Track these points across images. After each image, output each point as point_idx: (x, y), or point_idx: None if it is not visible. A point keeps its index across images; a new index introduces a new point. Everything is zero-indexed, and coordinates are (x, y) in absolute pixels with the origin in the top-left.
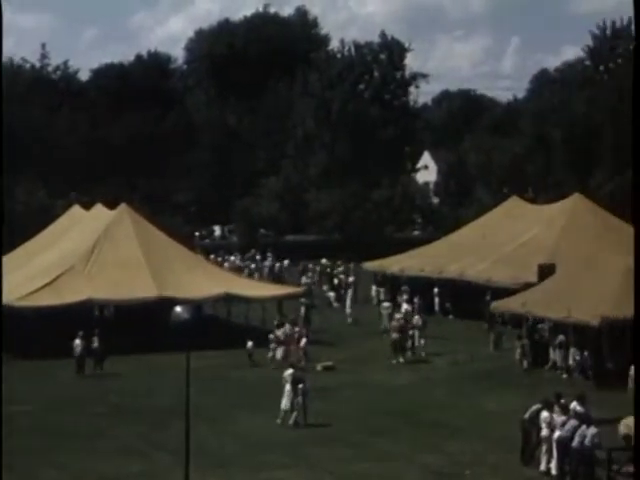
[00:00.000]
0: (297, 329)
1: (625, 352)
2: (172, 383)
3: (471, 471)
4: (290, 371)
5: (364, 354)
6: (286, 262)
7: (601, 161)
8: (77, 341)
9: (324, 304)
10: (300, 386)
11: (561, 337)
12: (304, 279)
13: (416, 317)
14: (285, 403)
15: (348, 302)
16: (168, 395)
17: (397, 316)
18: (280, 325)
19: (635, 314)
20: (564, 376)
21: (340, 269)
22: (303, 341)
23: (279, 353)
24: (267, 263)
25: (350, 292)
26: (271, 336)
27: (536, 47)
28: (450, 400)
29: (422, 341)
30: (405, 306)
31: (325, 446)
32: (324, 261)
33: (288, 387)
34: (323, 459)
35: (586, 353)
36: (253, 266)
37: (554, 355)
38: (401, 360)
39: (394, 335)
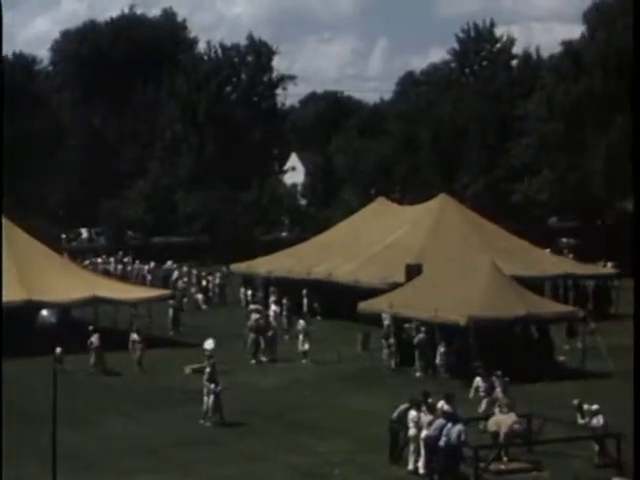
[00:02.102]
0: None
1: (491, 351)
2: (38, 387)
3: (340, 471)
4: (208, 369)
5: (232, 356)
6: (152, 264)
7: (467, 162)
8: None
9: (193, 307)
10: (212, 386)
11: (420, 336)
12: (180, 283)
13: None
14: (206, 402)
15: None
16: (35, 400)
17: (254, 316)
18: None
19: (635, 314)
20: (418, 375)
21: (208, 271)
22: (138, 348)
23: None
24: (136, 265)
25: (218, 294)
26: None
27: (402, 49)
28: (318, 400)
29: (308, 344)
30: (273, 307)
31: (194, 448)
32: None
33: (207, 386)
34: (191, 461)
35: (453, 352)
36: (120, 268)
37: (427, 355)
38: (263, 359)
39: (252, 335)
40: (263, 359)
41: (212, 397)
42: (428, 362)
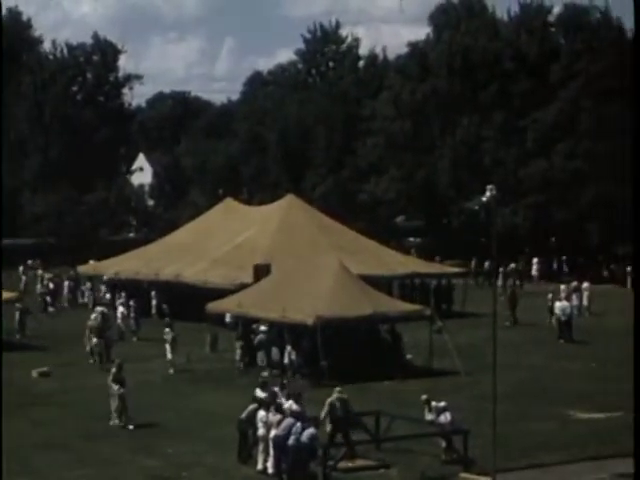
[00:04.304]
0: None
1: (339, 350)
2: None
3: (188, 473)
4: (113, 370)
5: (80, 358)
6: None
7: (314, 162)
8: None
9: (39, 309)
10: (116, 388)
11: (261, 336)
12: (39, 287)
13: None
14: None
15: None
16: None
17: (93, 316)
18: None
19: (635, 314)
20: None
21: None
22: None
23: None
24: None
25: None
26: None
27: (250, 49)
28: (168, 402)
29: (171, 354)
30: (121, 309)
31: (46, 452)
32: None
33: (114, 387)
34: (43, 466)
35: (301, 352)
36: None
37: (271, 355)
38: (91, 361)
39: (92, 336)
40: (90, 361)
41: (117, 399)
42: (270, 361)
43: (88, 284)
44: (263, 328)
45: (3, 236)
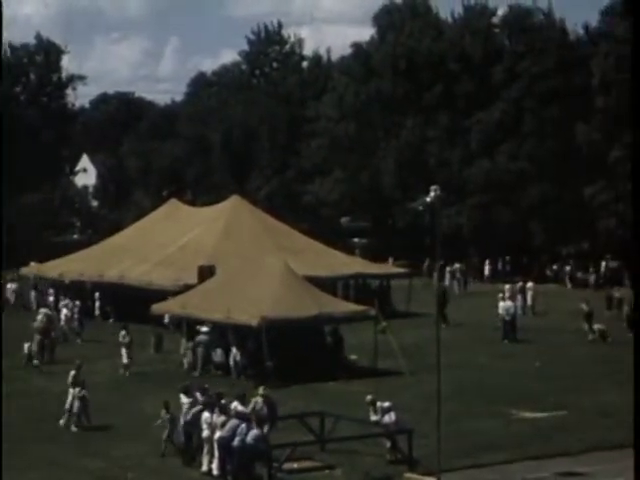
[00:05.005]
0: None
1: (284, 351)
2: None
3: (133, 475)
4: (72, 372)
5: (22, 360)
6: None
7: (258, 163)
8: None
9: None
10: (76, 390)
11: (201, 337)
12: None
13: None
14: (69, 402)
15: None
16: None
17: (39, 317)
18: None
19: (635, 313)
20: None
21: None
22: None
23: None
24: None
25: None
26: None
27: (194, 50)
28: (113, 403)
29: (127, 359)
30: (65, 311)
31: None
32: None
33: (71, 389)
34: None
35: (246, 353)
36: None
37: (215, 356)
38: (35, 362)
39: (37, 337)
40: (35, 362)
41: (77, 401)
42: (206, 362)
43: (33, 286)
44: (204, 329)
45: None
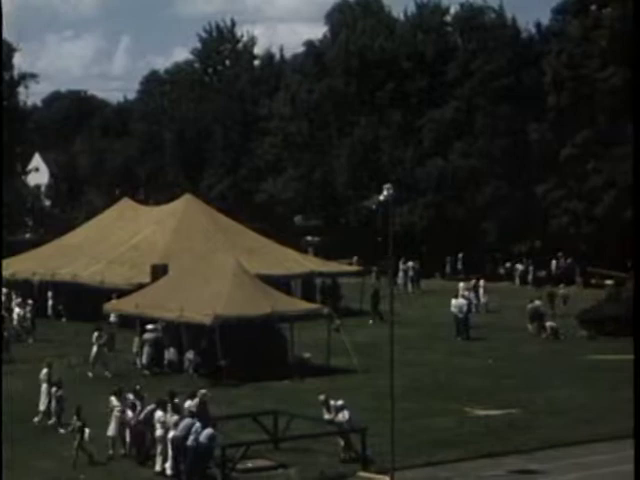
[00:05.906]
0: None
1: (237, 349)
2: None
3: (86, 475)
4: (45, 370)
5: None
6: None
7: (211, 162)
8: None
9: None
10: (53, 390)
11: (148, 335)
12: None
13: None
14: (43, 402)
15: None
16: None
17: None
18: None
19: (635, 313)
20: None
21: None
22: None
23: None
24: None
25: None
26: None
27: (147, 48)
28: (65, 403)
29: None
30: (17, 310)
31: None
32: None
33: (44, 387)
34: None
35: (199, 352)
36: None
37: (168, 354)
38: None
39: None
40: None
41: (54, 401)
42: (155, 360)
43: None
44: (150, 327)
45: None
